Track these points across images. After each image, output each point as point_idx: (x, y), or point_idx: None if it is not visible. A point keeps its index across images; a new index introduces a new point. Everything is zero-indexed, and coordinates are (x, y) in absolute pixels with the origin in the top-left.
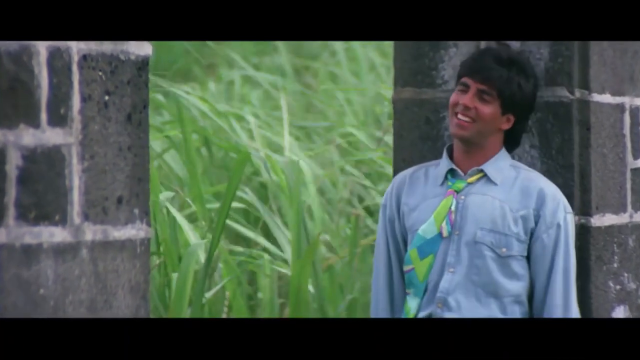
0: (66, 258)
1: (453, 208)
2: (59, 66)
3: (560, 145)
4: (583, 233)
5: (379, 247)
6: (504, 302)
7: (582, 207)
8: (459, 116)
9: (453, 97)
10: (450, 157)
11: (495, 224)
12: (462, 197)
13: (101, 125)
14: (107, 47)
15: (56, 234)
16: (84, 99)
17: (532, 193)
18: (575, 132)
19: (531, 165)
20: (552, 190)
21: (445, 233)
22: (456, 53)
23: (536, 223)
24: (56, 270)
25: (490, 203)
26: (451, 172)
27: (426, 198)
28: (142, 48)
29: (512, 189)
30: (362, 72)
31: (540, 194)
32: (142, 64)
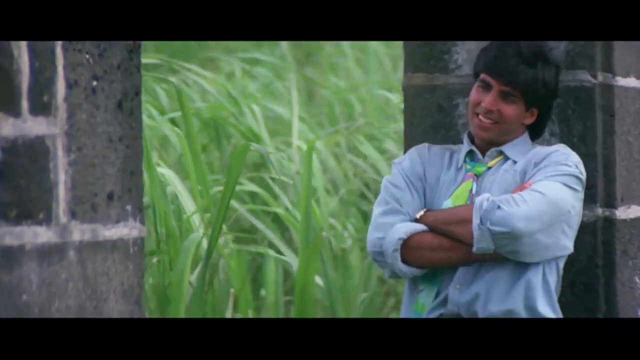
0: (51, 261)
1: (474, 191)
2: (41, 49)
3: (582, 132)
4: (607, 226)
5: (404, 200)
6: (528, 274)
7: (607, 198)
8: (481, 117)
9: (474, 95)
10: (471, 140)
11: (507, 192)
12: (481, 181)
13: (89, 114)
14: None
15: (40, 234)
16: (70, 85)
17: (539, 152)
18: (598, 119)
19: None
20: (560, 148)
21: None
22: None
23: (534, 172)
24: (40, 274)
25: (502, 175)
26: (470, 154)
27: (445, 179)
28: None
29: (526, 158)
30: (370, 63)
31: (547, 149)
32: (134, 46)
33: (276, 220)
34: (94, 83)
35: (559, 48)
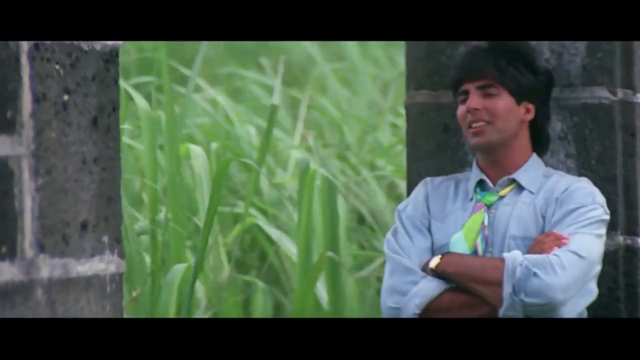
0: (16, 301)
1: (486, 223)
2: (3, 56)
3: (601, 153)
4: (629, 256)
5: (407, 252)
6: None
7: (628, 225)
8: (472, 124)
9: (459, 112)
10: (481, 169)
11: (527, 230)
12: (494, 211)
13: (59, 132)
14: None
15: (3, 271)
16: (37, 99)
17: (560, 187)
18: (618, 139)
19: None
20: (583, 184)
21: (480, 251)
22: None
23: (556, 208)
24: (4, 316)
25: (519, 208)
26: (480, 183)
27: (453, 212)
28: None
29: (541, 191)
30: (358, 84)
31: (569, 186)
32: (111, 56)
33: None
34: (65, 97)
35: (574, 62)
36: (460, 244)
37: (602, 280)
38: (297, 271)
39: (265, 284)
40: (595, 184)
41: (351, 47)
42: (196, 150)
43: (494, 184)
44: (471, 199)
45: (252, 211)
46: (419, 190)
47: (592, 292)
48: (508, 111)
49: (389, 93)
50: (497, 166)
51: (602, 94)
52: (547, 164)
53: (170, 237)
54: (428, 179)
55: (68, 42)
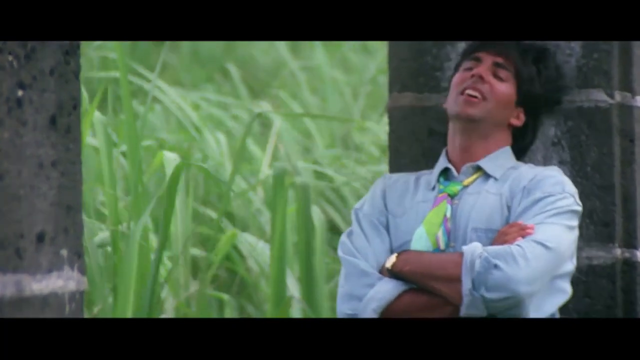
0: None
1: (448, 215)
2: None
3: (597, 160)
4: (627, 270)
5: (363, 253)
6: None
7: (626, 237)
8: (468, 91)
9: (458, 76)
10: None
11: (491, 221)
12: (457, 201)
13: (13, 132)
14: None
15: None
16: None
17: (527, 176)
18: (615, 145)
19: None
20: (553, 172)
21: (442, 245)
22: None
23: (522, 198)
24: None
25: (483, 197)
26: (444, 172)
27: (413, 207)
28: None
29: (508, 180)
30: (327, 92)
31: (537, 174)
32: (71, 47)
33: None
34: (20, 92)
35: (569, 63)
36: (422, 240)
37: (598, 296)
38: (271, 282)
39: (235, 298)
40: (591, 192)
41: (318, 51)
42: (170, 157)
43: (459, 173)
44: (433, 188)
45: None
46: (376, 186)
47: (564, 291)
48: (506, 102)
49: (359, 98)
50: (468, 154)
51: (599, 96)
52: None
53: (129, 250)
54: (387, 174)
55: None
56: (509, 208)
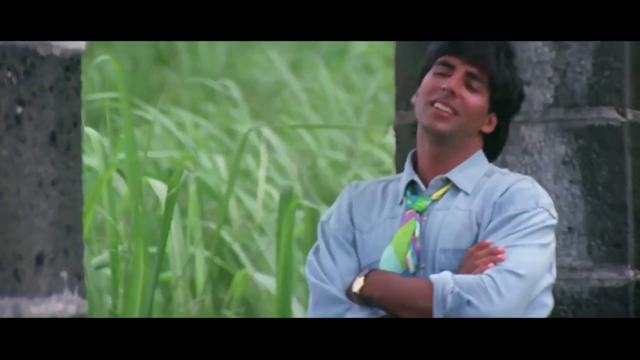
0: None
1: (417, 233)
2: None
3: (608, 180)
4: None
5: (328, 273)
6: None
7: (638, 258)
8: (438, 105)
9: (429, 82)
10: (415, 166)
11: (460, 240)
12: (425, 218)
13: (11, 150)
14: None
15: None
16: None
17: (499, 188)
18: (627, 164)
19: (572, 205)
20: (526, 184)
21: (412, 268)
22: None
23: (493, 213)
24: None
25: (452, 214)
26: (412, 186)
27: (380, 222)
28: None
29: (479, 193)
30: (330, 111)
31: (509, 187)
32: (72, 62)
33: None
34: (19, 109)
35: (579, 81)
36: (391, 260)
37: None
38: (275, 304)
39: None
40: (603, 212)
41: (320, 71)
42: (156, 184)
43: (427, 186)
44: (401, 203)
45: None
46: (342, 197)
47: (544, 305)
48: (479, 114)
49: (361, 117)
50: (437, 164)
51: (610, 114)
52: (549, 190)
53: (133, 271)
54: (353, 183)
55: (22, 46)
56: (479, 225)
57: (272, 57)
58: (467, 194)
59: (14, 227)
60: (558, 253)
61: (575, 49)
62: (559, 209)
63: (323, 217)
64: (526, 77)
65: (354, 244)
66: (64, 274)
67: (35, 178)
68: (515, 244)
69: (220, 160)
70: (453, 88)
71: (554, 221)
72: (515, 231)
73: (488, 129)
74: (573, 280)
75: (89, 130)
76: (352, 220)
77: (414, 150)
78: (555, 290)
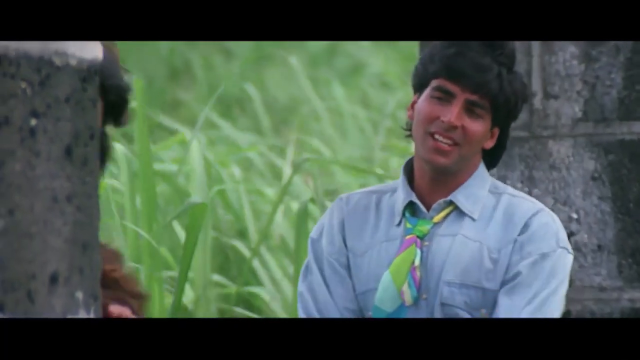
0: None
1: (417, 262)
2: None
3: (639, 196)
4: None
5: (317, 301)
6: None
7: None
8: (438, 137)
9: (427, 108)
10: (410, 181)
11: (468, 275)
12: (426, 243)
13: (25, 164)
14: (34, 45)
15: None
16: None
17: (516, 222)
18: None
19: (602, 222)
20: (545, 218)
21: (409, 300)
22: None
23: (513, 251)
24: None
25: (460, 244)
26: (410, 206)
27: (377, 242)
28: (88, 48)
29: (491, 222)
30: (348, 127)
31: (527, 220)
32: (89, 73)
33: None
34: (33, 121)
35: (609, 94)
36: (389, 291)
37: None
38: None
39: None
40: (634, 230)
41: (337, 87)
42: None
43: (429, 208)
44: (399, 224)
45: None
46: (333, 214)
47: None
48: (481, 138)
49: (378, 134)
50: (437, 185)
51: None
52: (578, 207)
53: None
54: (343, 197)
55: (37, 56)
56: (493, 260)
57: (293, 72)
58: (473, 219)
59: (26, 244)
60: (587, 272)
61: (605, 62)
62: (587, 226)
63: (313, 233)
64: (554, 90)
65: (348, 268)
66: (79, 294)
67: (50, 193)
68: (544, 299)
69: (237, 171)
70: (454, 122)
71: (572, 256)
72: (540, 278)
73: (490, 144)
74: (603, 301)
75: (116, 146)
76: (344, 240)
77: (409, 159)
78: (584, 311)
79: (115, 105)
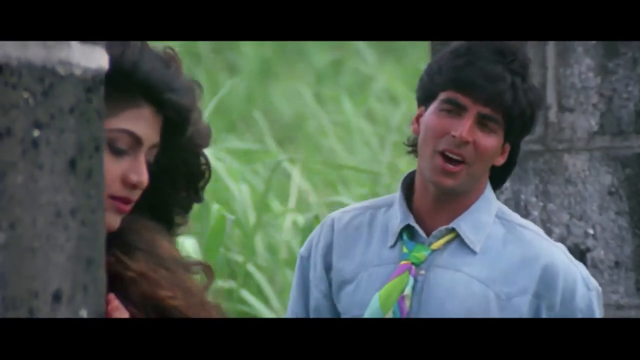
0: None
1: (407, 291)
2: None
3: None
4: None
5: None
6: None
7: None
8: (449, 154)
9: (435, 122)
10: (408, 199)
11: (471, 316)
12: (422, 271)
13: (27, 176)
14: (36, 53)
15: None
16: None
17: (531, 267)
18: None
19: (619, 238)
20: (562, 263)
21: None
22: None
23: (539, 312)
24: None
25: (464, 284)
26: (408, 230)
27: (368, 265)
28: (93, 57)
29: (500, 260)
30: (354, 142)
31: (547, 271)
32: (94, 82)
33: None
34: (36, 132)
35: (626, 107)
36: (375, 314)
37: None
38: None
39: None
40: None
41: (344, 101)
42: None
43: (428, 232)
44: (393, 245)
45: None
46: (320, 235)
47: None
48: (493, 154)
49: (386, 148)
50: (439, 207)
51: None
52: (594, 223)
53: None
54: (335, 215)
55: (39, 65)
56: (501, 306)
57: (298, 89)
58: (474, 251)
59: (28, 261)
60: (604, 289)
61: (622, 75)
62: (604, 242)
63: (302, 250)
64: (569, 103)
65: (328, 296)
66: (83, 313)
67: (53, 207)
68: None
69: (245, 189)
70: (466, 137)
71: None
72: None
73: (501, 160)
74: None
75: None
76: (328, 265)
77: (408, 173)
78: None
79: (173, 124)
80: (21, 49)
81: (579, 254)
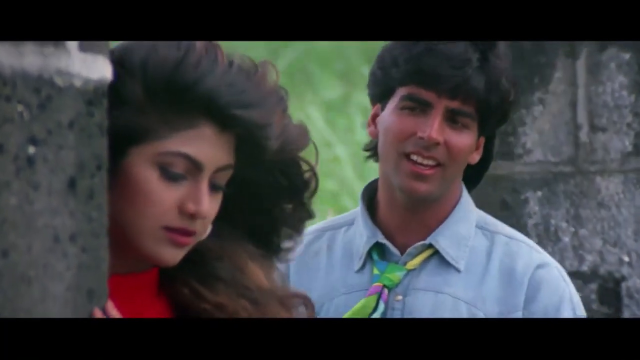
0: None
1: (377, 316)
2: None
3: None
4: None
5: None
6: None
7: None
8: (416, 158)
9: (396, 122)
10: (372, 213)
11: None
12: (399, 297)
13: (22, 198)
14: (32, 62)
15: None
16: None
17: (519, 282)
18: None
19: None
20: (551, 277)
21: None
22: (542, 112)
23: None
24: None
25: (448, 307)
26: (377, 248)
27: (333, 294)
28: (95, 67)
29: (485, 277)
30: (368, 170)
31: (531, 282)
32: (95, 95)
33: None
34: (31, 149)
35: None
36: None
37: None
38: None
39: None
40: None
41: (357, 130)
42: None
43: (401, 249)
44: (361, 268)
45: None
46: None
47: None
48: (468, 152)
49: None
50: (413, 218)
51: None
52: (629, 249)
53: None
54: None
55: (35, 75)
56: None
57: (310, 115)
58: (457, 270)
59: (23, 291)
60: None
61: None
62: None
63: None
64: (602, 122)
65: None
66: None
67: (51, 232)
68: None
69: None
70: (435, 138)
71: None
72: None
73: (476, 157)
74: None
75: None
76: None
77: (368, 184)
78: None
79: (244, 141)
80: (15, 56)
81: (613, 282)
